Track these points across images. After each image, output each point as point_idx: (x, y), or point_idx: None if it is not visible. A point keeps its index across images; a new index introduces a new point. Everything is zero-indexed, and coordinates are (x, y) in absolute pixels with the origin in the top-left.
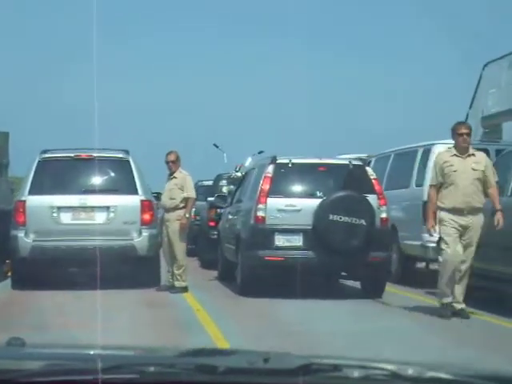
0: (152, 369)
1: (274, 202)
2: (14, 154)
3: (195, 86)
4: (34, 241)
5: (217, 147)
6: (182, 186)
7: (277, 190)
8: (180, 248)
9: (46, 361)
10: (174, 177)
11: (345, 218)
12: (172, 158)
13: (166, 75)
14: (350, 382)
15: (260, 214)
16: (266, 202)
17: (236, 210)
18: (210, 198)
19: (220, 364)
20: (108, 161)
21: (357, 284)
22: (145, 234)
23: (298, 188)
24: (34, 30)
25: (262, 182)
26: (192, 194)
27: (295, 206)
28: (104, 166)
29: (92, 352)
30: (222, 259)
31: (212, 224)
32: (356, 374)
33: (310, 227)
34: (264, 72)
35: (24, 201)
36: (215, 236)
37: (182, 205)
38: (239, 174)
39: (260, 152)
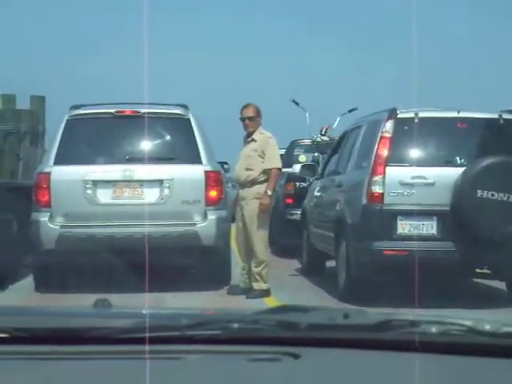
0: (235, 325)
1: (396, 173)
2: (52, 120)
3: (267, 30)
4: (61, 227)
5: (296, 104)
6: (262, 152)
7: (399, 155)
8: (260, 237)
9: (133, 319)
10: (253, 139)
11: (499, 195)
12: (250, 112)
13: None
14: (429, 337)
15: (376, 189)
16: (384, 173)
17: (332, 184)
18: (285, 169)
19: (301, 320)
20: (161, 119)
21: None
22: (211, 217)
23: (428, 153)
24: None
25: (376, 144)
26: (277, 163)
27: (426, 179)
28: (156, 125)
29: (175, 311)
30: (309, 248)
31: (289, 201)
32: (434, 329)
33: (447, 208)
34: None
35: (48, 173)
36: (294, 216)
37: (262, 178)
38: (326, 138)
39: (352, 110)
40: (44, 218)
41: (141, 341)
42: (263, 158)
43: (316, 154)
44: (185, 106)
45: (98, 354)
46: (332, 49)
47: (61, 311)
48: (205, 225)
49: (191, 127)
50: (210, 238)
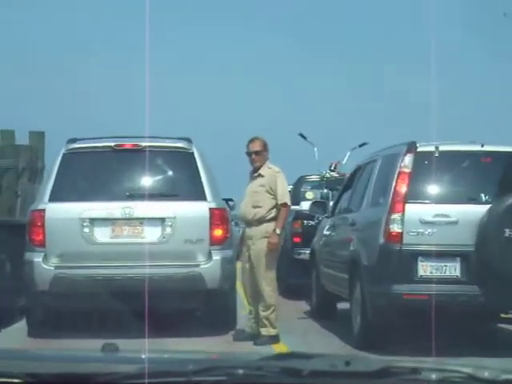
0: (240, 371)
1: (416, 211)
2: (51, 156)
3: (272, 59)
4: (56, 268)
5: (304, 138)
6: (270, 187)
7: (419, 192)
8: (268, 279)
9: (140, 364)
10: (260, 174)
11: None
12: (257, 146)
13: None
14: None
15: (394, 228)
16: (403, 211)
17: (345, 222)
18: (292, 207)
19: (304, 367)
20: (163, 152)
21: None
22: (216, 257)
23: (451, 189)
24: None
25: (394, 180)
26: (286, 199)
27: (449, 217)
28: (157, 159)
29: (183, 357)
30: (319, 289)
31: (297, 240)
32: (434, 376)
33: (472, 248)
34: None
35: (42, 210)
36: (301, 256)
37: (270, 215)
38: (335, 174)
39: (363, 144)
40: (38, 258)
41: None
42: (271, 194)
43: (325, 191)
44: (188, 140)
45: None
46: (341, 82)
47: (69, 356)
48: (209, 266)
49: (195, 162)
50: (215, 280)
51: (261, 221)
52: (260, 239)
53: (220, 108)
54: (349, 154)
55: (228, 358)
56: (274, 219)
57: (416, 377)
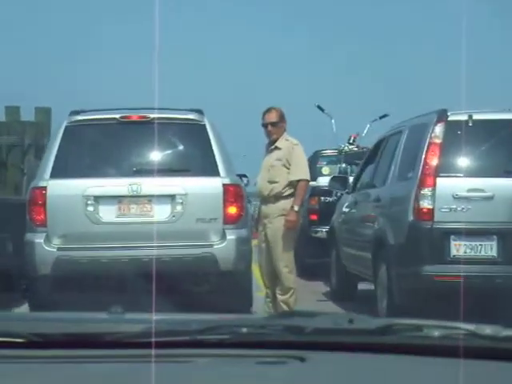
0: (243, 330)
1: (448, 185)
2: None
3: (288, 29)
4: (59, 249)
5: (321, 110)
6: (288, 161)
7: (451, 164)
8: (286, 260)
9: (144, 324)
10: (277, 147)
11: None
12: (273, 117)
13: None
14: (431, 340)
15: (424, 204)
16: (434, 185)
17: (368, 198)
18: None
19: (307, 325)
20: (173, 125)
21: None
22: (230, 237)
23: (486, 161)
24: None
25: (424, 152)
26: (305, 173)
27: (484, 191)
28: (167, 132)
29: (186, 317)
30: (339, 269)
31: (314, 218)
32: (436, 333)
33: (510, 226)
34: None
35: (43, 188)
36: (318, 234)
37: (288, 191)
38: (354, 148)
39: (383, 116)
40: (39, 239)
41: (150, 345)
42: (289, 169)
43: (343, 166)
44: (199, 111)
45: (110, 358)
46: (360, 51)
47: (75, 317)
48: (223, 246)
49: (207, 134)
50: (229, 262)
51: (277, 197)
52: (277, 217)
53: (232, 79)
54: (368, 126)
55: (233, 318)
56: (291, 196)
57: (418, 334)
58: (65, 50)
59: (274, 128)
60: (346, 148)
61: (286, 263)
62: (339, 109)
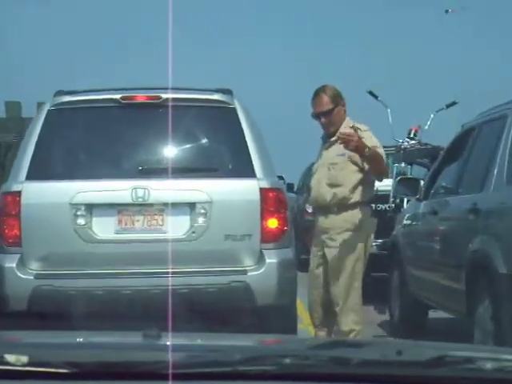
0: (287, 361)
1: None
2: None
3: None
4: (37, 277)
5: (375, 97)
6: (355, 156)
7: None
8: (352, 293)
9: (186, 352)
10: (338, 137)
11: None
12: (324, 103)
13: None
14: (484, 373)
15: None
16: None
17: (454, 207)
18: None
19: (353, 356)
20: (193, 108)
21: None
22: (270, 260)
23: None
24: None
25: None
26: (384, 154)
27: None
28: (185, 118)
29: (229, 343)
30: (404, 296)
31: None
32: (489, 365)
33: None
34: None
35: (16, 193)
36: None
37: (358, 197)
38: (415, 143)
39: (451, 104)
40: (10, 262)
41: (193, 376)
42: (357, 165)
43: (402, 165)
44: (228, 91)
45: None
46: (423, 31)
47: (110, 343)
48: (260, 273)
49: (238, 121)
50: (269, 294)
51: (342, 205)
52: (341, 233)
53: (267, 59)
54: (432, 116)
55: (274, 346)
56: (362, 203)
57: (471, 366)
58: (65, 42)
59: (329, 118)
60: (406, 143)
61: (352, 296)
62: (396, 96)
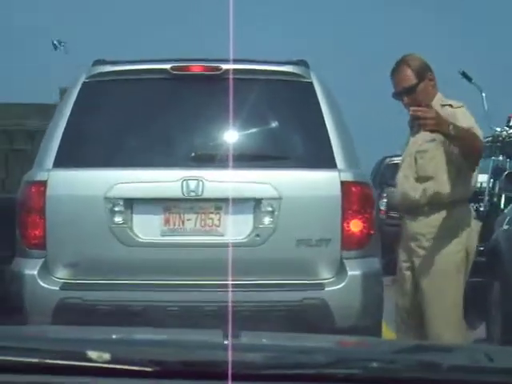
0: (374, 364)
1: None
2: None
3: None
4: (64, 287)
5: (469, 80)
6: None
7: None
8: (448, 315)
9: (270, 353)
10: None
11: None
12: (407, 78)
13: None
14: None
15: None
16: None
17: None
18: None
19: (442, 361)
20: (260, 82)
21: None
22: (353, 272)
23: None
24: None
25: None
26: (479, 132)
27: None
28: (249, 94)
29: (312, 345)
30: (510, 312)
31: None
32: None
33: None
34: None
35: (41, 183)
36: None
37: (456, 193)
38: None
39: None
40: (31, 269)
41: (278, 378)
42: (453, 154)
43: (501, 158)
44: (303, 63)
45: None
46: None
47: (191, 340)
48: (341, 288)
49: (316, 99)
50: (351, 315)
51: (435, 204)
52: (435, 239)
53: (346, 28)
54: None
55: (359, 349)
56: (460, 201)
57: None
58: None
59: (413, 96)
60: (505, 133)
61: (448, 319)
62: (492, 79)
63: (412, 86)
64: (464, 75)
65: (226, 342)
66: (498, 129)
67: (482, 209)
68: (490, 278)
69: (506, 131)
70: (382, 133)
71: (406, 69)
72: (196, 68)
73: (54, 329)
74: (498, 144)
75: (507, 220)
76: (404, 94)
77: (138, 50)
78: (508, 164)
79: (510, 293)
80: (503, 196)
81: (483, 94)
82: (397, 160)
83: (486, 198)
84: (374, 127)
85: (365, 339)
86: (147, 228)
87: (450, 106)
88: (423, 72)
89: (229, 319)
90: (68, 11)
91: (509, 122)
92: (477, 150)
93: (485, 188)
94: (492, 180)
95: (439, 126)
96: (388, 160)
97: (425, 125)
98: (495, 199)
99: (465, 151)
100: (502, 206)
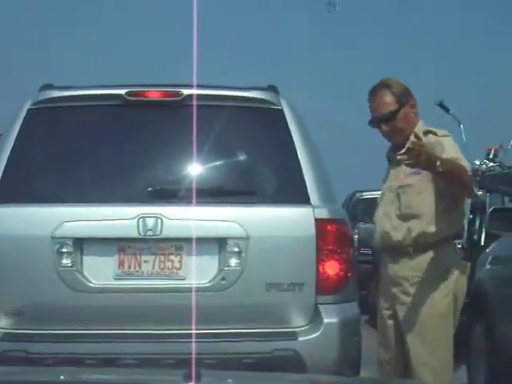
0: None
1: None
2: None
3: None
4: (4, 339)
5: (446, 111)
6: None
7: None
8: (434, 362)
9: None
10: (409, 147)
11: None
12: (385, 104)
13: None
14: None
15: None
16: None
17: None
18: None
19: None
20: (225, 109)
21: None
22: (329, 319)
23: None
24: None
25: None
26: (467, 165)
27: None
28: (214, 122)
29: None
30: (494, 358)
31: None
32: None
33: None
34: None
35: None
36: None
37: (441, 232)
38: (496, 167)
39: None
40: None
41: None
42: (440, 187)
43: (480, 193)
44: (273, 88)
45: None
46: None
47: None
48: (316, 338)
49: (287, 128)
50: (327, 366)
51: (421, 245)
52: (421, 284)
53: (310, 53)
54: None
55: None
56: (447, 240)
57: None
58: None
59: (393, 123)
60: (484, 167)
61: (434, 367)
62: (471, 109)
63: (392, 112)
64: (441, 106)
65: None
66: (477, 162)
67: (459, 246)
68: (473, 319)
69: (486, 164)
70: (352, 166)
71: (385, 93)
72: (154, 94)
73: None
74: (477, 178)
75: (490, 259)
76: (383, 120)
77: (90, 77)
78: (488, 199)
79: (495, 339)
80: (483, 233)
81: (461, 126)
82: (368, 195)
83: (465, 235)
84: (342, 159)
85: (340, 379)
86: (99, 271)
87: (435, 134)
88: (404, 97)
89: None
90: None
91: (488, 154)
92: (465, 184)
93: (464, 224)
94: (471, 216)
95: (427, 162)
96: (358, 195)
97: (417, 162)
98: (475, 236)
99: (453, 186)
100: (483, 243)
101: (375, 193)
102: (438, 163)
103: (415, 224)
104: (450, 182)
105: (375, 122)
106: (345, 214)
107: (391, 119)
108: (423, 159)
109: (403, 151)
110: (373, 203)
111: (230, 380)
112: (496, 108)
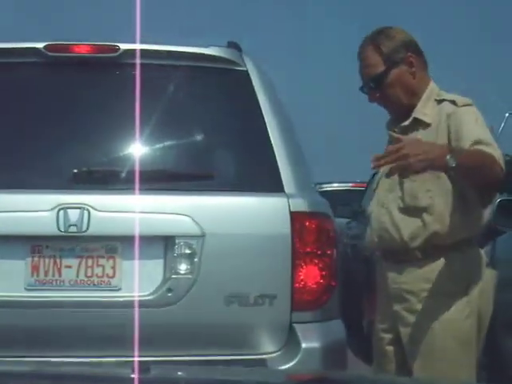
0: None
1: None
2: None
3: None
4: None
5: None
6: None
7: None
8: None
9: None
10: (417, 121)
11: None
12: (372, 60)
13: None
14: None
15: None
16: None
17: None
18: None
19: None
20: (174, 70)
21: None
22: (308, 343)
23: None
24: None
25: None
26: (496, 150)
27: None
28: (160, 86)
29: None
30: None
31: None
32: None
33: None
34: None
35: None
36: None
37: (454, 232)
38: None
39: None
40: None
41: None
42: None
43: None
44: (234, 45)
45: None
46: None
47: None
48: (291, 367)
49: (254, 95)
50: None
51: (432, 248)
52: (432, 300)
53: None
54: (507, 115)
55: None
56: (467, 243)
57: None
58: None
59: (384, 88)
60: None
61: None
62: (459, 89)
63: (378, 76)
64: None
65: (133, 376)
66: None
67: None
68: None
69: None
70: (315, 150)
71: (370, 49)
72: (82, 48)
73: None
74: None
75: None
76: (371, 85)
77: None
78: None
79: (496, 346)
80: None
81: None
82: (327, 187)
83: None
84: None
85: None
86: (5, 279)
87: (453, 102)
88: (397, 53)
89: None
90: None
91: None
92: (493, 176)
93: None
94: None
95: (427, 162)
96: (317, 187)
97: (400, 168)
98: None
99: (475, 183)
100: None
101: (335, 185)
102: (449, 156)
103: (424, 219)
104: (470, 179)
105: (366, 87)
106: (328, 207)
107: (379, 84)
108: (416, 161)
109: (406, 123)
110: (333, 197)
111: (179, 372)
112: (488, 87)
